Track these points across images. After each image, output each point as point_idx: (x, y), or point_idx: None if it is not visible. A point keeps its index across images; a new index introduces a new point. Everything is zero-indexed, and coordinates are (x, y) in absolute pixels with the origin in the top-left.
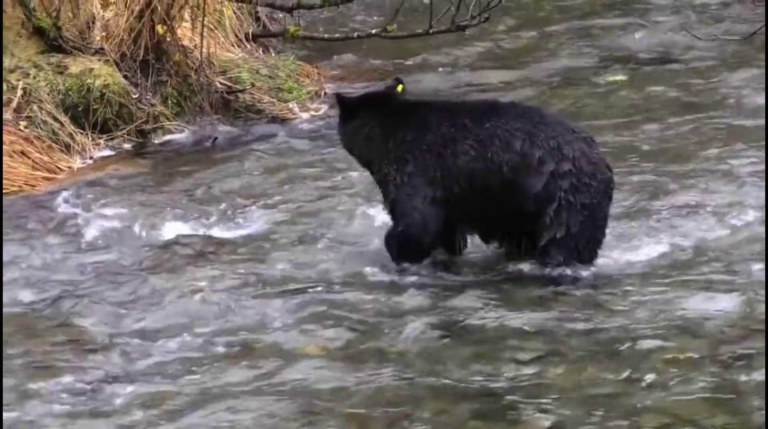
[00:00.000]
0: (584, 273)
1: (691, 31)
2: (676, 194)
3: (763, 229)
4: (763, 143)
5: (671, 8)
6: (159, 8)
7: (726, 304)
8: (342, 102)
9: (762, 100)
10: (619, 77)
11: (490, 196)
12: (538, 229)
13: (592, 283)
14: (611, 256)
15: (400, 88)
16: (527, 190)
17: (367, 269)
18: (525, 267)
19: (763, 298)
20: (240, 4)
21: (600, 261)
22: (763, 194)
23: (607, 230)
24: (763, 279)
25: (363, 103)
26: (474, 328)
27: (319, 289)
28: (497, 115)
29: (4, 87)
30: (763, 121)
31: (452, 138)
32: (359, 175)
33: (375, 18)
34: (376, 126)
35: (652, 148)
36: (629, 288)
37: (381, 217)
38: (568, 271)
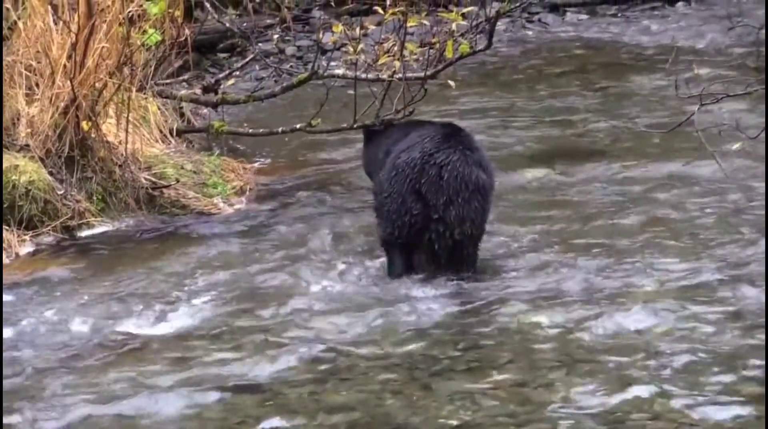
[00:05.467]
0: (509, 364)
1: (617, 123)
2: (595, 282)
3: (683, 316)
4: (689, 234)
5: (598, 98)
6: (84, 104)
7: (645, 395)
8: None
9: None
10: (545, 170)
11: None
12: None
13: (517, 375)
14: (535, 344)
15: None
16: None
17: (294, 365)
18: (447, 359)
19: (678, 389)
20: (164, 100)
21: (525, 352)
22: (687, 284)
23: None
24: (679, 366)
25: None
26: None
27: (247, 384)
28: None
29: None
30: (685, 214)
31: None
32: (284, 268)
33: (299, 112)
34: None
35: (578, 238)
36: (553, 380)
37: (305, 313)
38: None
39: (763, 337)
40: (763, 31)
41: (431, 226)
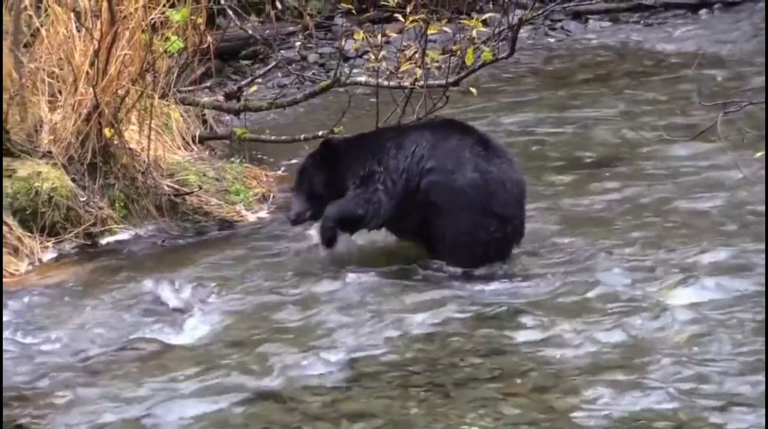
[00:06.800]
0: (531, 371)
1: (640, 130)
2: (618, 287)
3: (708, 322)
4: (704, 243)
5: (621, 105)
6: (106, 111)
7: (669, 402)
8: None
9: (704, 206)
10: (565, 178)
11: None
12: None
13: (539, 381)
14: (558, 350)
15: None
16: None
17: (316, 373)
18: (469, 366)
19: (702, 397)
20: (187, 107)
21: (547, 358)
22: (710, 291)
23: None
24: (704, 373)
25: None
26: None
27: (270, 392)
28: None
29: None
30: (708, 220)
31: None
32: (306, 275)
33: (322, 119)
34: None
35: (600, 243)
36: (575, 386)
37: (326, 320)
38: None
39: None
40: None
41: (509, 236)
